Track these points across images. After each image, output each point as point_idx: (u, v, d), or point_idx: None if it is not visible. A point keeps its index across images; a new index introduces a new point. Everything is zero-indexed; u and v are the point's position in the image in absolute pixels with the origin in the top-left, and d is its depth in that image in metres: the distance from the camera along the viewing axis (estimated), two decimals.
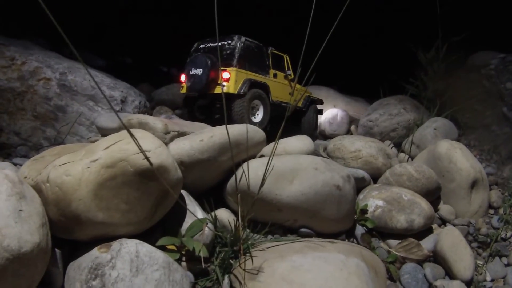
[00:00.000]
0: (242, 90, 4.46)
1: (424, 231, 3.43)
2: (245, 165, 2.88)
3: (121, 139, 2.29)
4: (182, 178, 2.59)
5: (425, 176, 3.63)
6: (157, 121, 3.34)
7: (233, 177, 2.95)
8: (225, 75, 4.43)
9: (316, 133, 5.75)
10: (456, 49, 5.87)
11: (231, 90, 4.41)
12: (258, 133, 3.47)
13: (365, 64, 7.79)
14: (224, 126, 3.12)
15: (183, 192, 2.85)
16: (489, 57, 6.37)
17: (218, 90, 4.49)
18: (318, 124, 5.90)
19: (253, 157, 3.49)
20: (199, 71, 4.51)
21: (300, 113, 5.49)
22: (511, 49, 6.24)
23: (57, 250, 2.22)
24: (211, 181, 3.21)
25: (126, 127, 1.67)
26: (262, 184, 2.54)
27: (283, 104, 5.08)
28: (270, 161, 2.58)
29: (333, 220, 3.14)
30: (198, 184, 3.10)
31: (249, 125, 3.60)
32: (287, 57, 5.33)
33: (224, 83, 4.40)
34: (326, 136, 5.98)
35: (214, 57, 4.52)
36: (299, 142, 3.77)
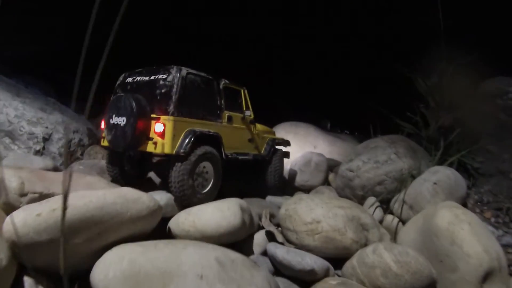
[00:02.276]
0: (183, 150, 3.12)
1: None
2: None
3: None
4: (12, 265, 2.15)
5: (411, 271, 2.38)
6: (13, 178, 2.67)
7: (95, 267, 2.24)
8: (158, 127, 3.12)
9: (279, 184, 4.33)
10: (464, 74, 4.63)
11: (167, 150, 3.10)
12: (135, 204, 2.49)
13: (357, 97, 6.55)
14: (82, 193, 2.39)
15: (28, 280, 2.27)
16: (506, 84, 5.15)
17: (150, 146, 3.17)
18: (285, 171, 4.59)
19: (137, 236, 2.53)
20: (121, 121, 3.20)
21: (263, 162, 4.19)
22: None
23: None
24: (81, 264, 2.31)
25: None
26: None
27: (239, 157, 3.77)
28: None
29: None
30: (59, 267, 2.13)
31: (122, 191, 2.59)
32: (245, 90, 4.05)
33: (157, 139, 3.12)
34: (295, 188, 4.60)
35: (143, 99, 3.21)
36: (216, 214, 2.70)
